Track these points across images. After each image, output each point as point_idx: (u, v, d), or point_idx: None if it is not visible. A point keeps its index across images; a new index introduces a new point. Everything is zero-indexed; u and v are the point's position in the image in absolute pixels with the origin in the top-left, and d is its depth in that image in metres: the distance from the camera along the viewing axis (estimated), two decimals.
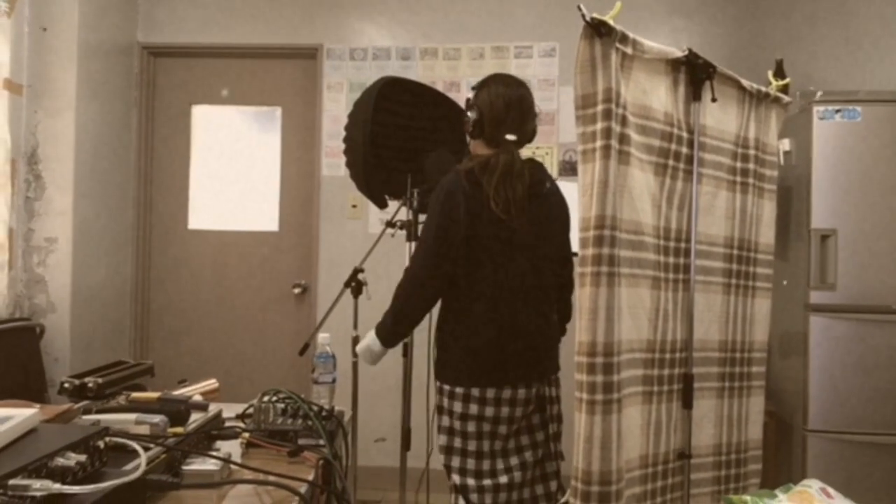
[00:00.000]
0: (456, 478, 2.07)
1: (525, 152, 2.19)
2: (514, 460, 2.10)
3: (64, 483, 0.99)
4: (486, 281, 2.05)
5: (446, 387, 2.09)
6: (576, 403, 1.88)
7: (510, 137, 2.11)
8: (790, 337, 3.27)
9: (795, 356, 3.21)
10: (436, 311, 2.19)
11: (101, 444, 1.12)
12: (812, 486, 1.26)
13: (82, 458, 1.05)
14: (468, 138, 2.22)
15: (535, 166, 2.18)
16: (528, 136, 2.18)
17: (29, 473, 0.95)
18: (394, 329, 2.16)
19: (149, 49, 4.06)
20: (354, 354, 2.70)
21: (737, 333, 2.34)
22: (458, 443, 2.08)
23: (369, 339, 2.19)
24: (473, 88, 2.19)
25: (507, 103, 2.12)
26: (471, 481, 2.05)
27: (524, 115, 2.15)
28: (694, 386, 2.15)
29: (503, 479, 2.06)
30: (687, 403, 2.14)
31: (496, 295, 2.06)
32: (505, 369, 2.06)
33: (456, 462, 2.08)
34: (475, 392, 2.04)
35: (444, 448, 2.10)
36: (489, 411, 2.04)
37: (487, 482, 2.05)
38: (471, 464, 2.06)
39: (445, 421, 2.10)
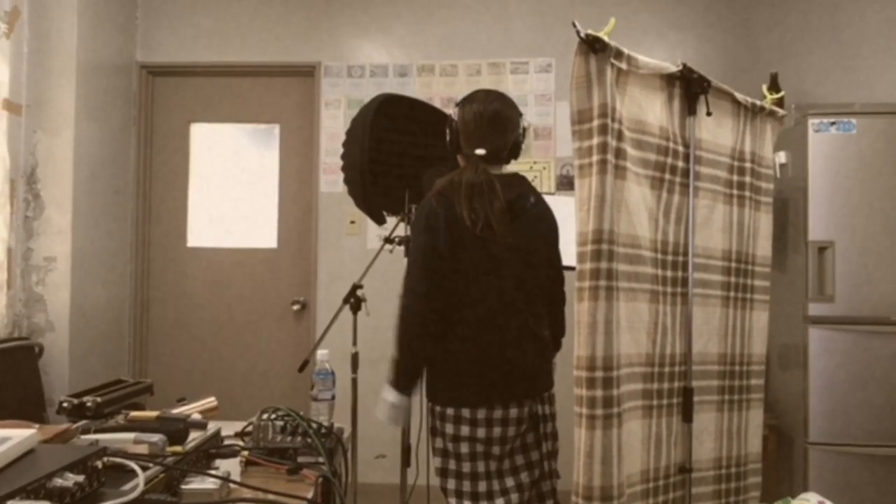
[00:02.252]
0: (453, 501, 2.05)
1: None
2: (509, 481, 2.07)
3: None
4: (471, 300, 2.04)
5: (437, 408, 2.07)
6: (575, 419, 1.88)
7: (478, 152, 2.11)
8: (789, 349, 3.27)
9: (795, 369, 3.21)
10: None
11: (99, 464, 1.12)
12: (810, 499, 1.26)
13: (80, 478, 1.05)
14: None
15: (516, 180, 2.16)
16: (501, 148, 2.15)
17: (27, 494, 0.95)
18: (404, 365, 2.05)
19: (147, 68, 4.08)
20: (354, 371, 2.71)
21: (735, 346, 2.34)
22: (452, 465, 2.06)
23: (384, 395, 2.08)
24: (456, 105, 2.21)
25: (476, 119, 2.12)
26: None
27: (493, 129, 2.12)
28: (693, 399, 2.15)
29: (500, 502, 2.04)
30: (687, 417, 2.14)
31: (482, 314, 2.04)
32: (494, 388, 2.03)
33: (451, 485, 2.05)
34: (465, 413, 2.02)
35: (439, 470, 2.08)
36: (481, 432, 2.02)
37: None
38: (466, 486, 2.04)
39: (439, 443, 2.08)
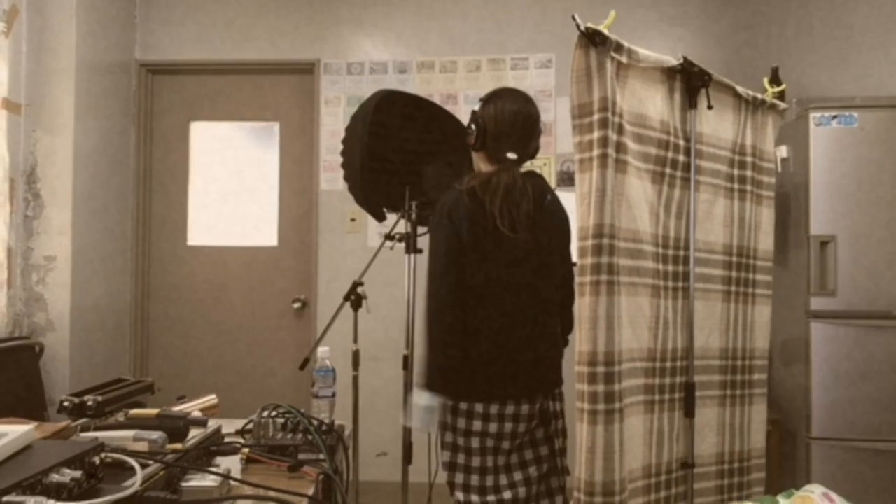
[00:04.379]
0: (460, 495, 2.05)
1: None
2: (517, 475, 2.08)
3: (59, 499, 0.98)
4: (489, 296, 2.03)
5: (449, 402, 2.07)
6: (577, 414, 1.87)
7: (511, 156, 2.09)
8: (792, 344, 3.26)
9: (797, 364, 3.20)
10: None
11: (96, 460, 1.11)
12: (815, 491, 1.25)
13: (77, 474, 1.04)
14: (472, 151, 2.21)
15: (536, 180, 2.15)
16: (530, 153, 2.15)
17: (24, 490, 0.94)
18: (439, 361, 1.99)
19: (147, 66, 4.08)
20: (355, 368, 2.70)
21: (737, 341, 2.33)
22: (461, 459, 2.05)
23: (416, 400, 2.00)
24: (481, 100, 2.15)
25: (512, 120, 2.08)
26: (475, 498, 2.03)
27: (528, 133, 2.11)
28: (696, 394, 2.14)
29: (507, 495, 2.04)
30: (689, 412, 2.13)
31: (499, 310, 2.04)
32: (508, 384, 2.03)
33: (459, 479, 2.05)
34: (478, 408, 2.02)
35: (447, 464, 2.08)
36: (493, 427, 2.02)
37: (491, 498, 2.03)
38: (474, 480, 2.04)
39: (449, 437, 2.07)
